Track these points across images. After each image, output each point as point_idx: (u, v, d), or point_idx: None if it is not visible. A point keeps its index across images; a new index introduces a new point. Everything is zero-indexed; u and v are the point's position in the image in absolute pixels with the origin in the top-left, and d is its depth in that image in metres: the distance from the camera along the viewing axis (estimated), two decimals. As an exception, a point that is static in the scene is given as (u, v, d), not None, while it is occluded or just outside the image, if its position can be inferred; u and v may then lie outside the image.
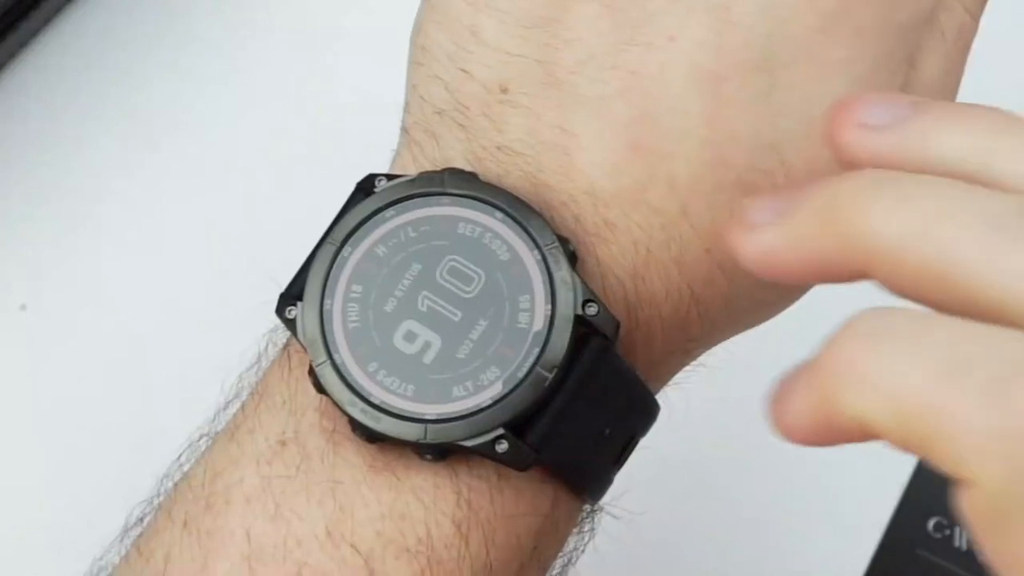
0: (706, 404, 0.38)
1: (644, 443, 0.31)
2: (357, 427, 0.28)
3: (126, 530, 0.32)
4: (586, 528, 0.31)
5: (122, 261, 0.46)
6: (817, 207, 0.24)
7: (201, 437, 0.32)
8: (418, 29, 0.32)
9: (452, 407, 0.28)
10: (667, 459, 0.39)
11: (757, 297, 0.31)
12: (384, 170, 0.32)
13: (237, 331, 0.41)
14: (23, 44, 0.48)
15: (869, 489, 0.45)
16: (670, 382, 0.32)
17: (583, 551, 0.32)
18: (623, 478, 0.31)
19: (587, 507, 0.31)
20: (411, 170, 0.31)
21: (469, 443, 0.28)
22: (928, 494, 0.46)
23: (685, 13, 0.29)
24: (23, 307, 0.46)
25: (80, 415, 0.45)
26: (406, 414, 0.28)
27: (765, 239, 0.25)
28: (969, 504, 0.21)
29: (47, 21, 0.48)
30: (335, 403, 0.28)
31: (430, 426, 0.28)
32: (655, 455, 0.32)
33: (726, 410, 0.44)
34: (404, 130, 0.32)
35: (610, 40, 0.29)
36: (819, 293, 0.30)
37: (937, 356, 0.21)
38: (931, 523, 0.45)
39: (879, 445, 0.22)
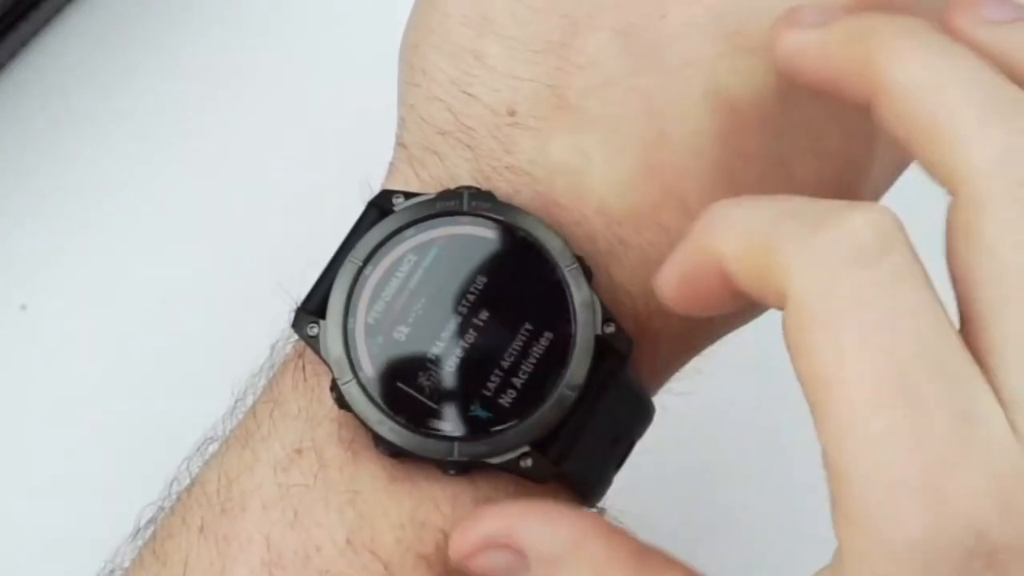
0: (704, 405, 0.38)
1: (644, 446, 0.31)
2: (382, 443, 0.29)
3: (136, 532, 0.32)
4: None
5: (122, 261, 0.46)
6: (856, 27, 0.27)
7: (207, 441, 0.32)
8: (412, 48, 0.32)
9: (477, 425, 0.28)
10: (667, 460, 0.40)
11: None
12: (382, 178, 0.31)
13: (238, 332, 0.41)
14: (23, 44, 0.47)
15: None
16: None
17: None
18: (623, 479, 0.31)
19: (592, 510, 0.32)
20: (413, 185, 0.31)
21: (495, 460, 0.28)
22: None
23: (701, 38, 0.29)
24: (23, 307, 0.46)
25: (80, 416, 0.45)
26: (433, 432, 0.28)
27: (802, 38, 0.28)
28: (783, 321, 0.25)
29: (47, 21, 0.48)
30: (361, 421, 0.29)
31: (458, 444, 0.28)
32: (657, 457, 0.33)
33: (728, 409, 0.44)
34: (401, 145, 0.32)
35: (625, 64, 0.29)
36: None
37: (774, 210, 0.26)
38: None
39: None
